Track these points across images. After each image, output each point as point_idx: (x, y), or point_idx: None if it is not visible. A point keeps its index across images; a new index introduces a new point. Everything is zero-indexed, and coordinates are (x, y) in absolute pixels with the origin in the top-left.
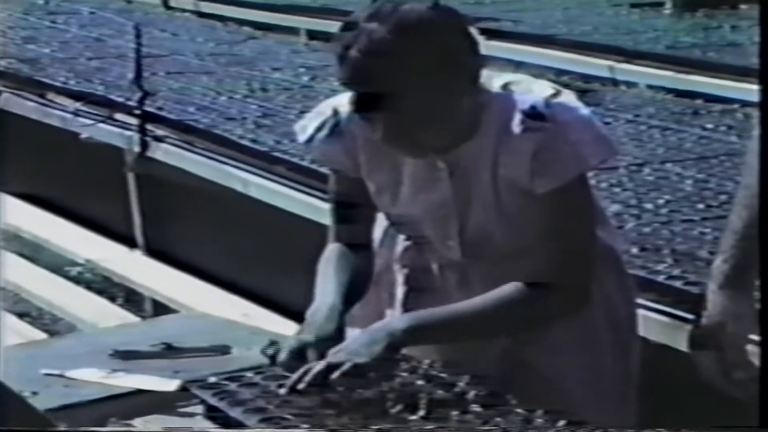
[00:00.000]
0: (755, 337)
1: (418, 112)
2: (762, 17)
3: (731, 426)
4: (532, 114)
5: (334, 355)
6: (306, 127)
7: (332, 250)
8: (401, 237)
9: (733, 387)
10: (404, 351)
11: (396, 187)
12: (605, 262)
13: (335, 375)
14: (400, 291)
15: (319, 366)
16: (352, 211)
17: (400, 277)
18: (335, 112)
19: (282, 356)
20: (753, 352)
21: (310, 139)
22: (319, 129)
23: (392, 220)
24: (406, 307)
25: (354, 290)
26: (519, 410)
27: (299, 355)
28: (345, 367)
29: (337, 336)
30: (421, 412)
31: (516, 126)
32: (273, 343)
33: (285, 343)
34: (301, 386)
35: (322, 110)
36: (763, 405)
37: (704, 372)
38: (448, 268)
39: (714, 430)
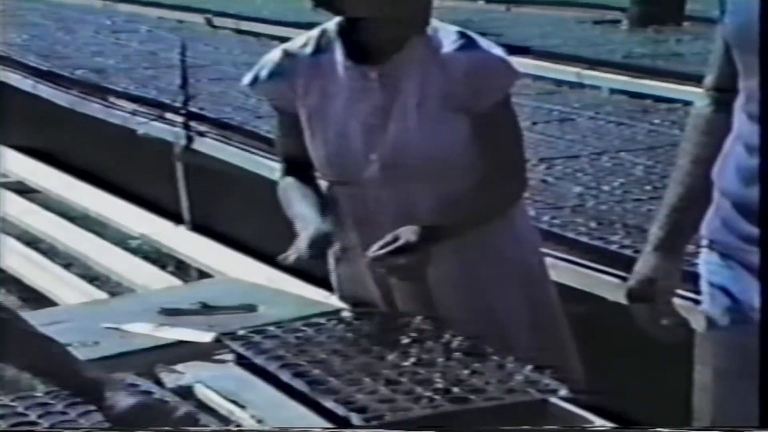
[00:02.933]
0: (681, 292)
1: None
2: (762, 17)
3: (731, 426)
4: (462, 35)
5: None
6: (250, 73)
7: (288, 182)
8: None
9: (662, 333)
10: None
11: (328, 107)
12: None
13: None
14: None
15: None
16: (296, 145)
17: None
18: (274, 56)
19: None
20: (680, 305)
21: (254, 81)
22: (259, 71)
23: (323, 150)
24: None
25: (321, 208)
26: (494, 357)
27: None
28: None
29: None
30: (413, 359)
31: (449, 45)
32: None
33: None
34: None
35: (264, 59)
36: (763, 405)
37: (639, 321)
38: (367, 195)
39: (714, 430)
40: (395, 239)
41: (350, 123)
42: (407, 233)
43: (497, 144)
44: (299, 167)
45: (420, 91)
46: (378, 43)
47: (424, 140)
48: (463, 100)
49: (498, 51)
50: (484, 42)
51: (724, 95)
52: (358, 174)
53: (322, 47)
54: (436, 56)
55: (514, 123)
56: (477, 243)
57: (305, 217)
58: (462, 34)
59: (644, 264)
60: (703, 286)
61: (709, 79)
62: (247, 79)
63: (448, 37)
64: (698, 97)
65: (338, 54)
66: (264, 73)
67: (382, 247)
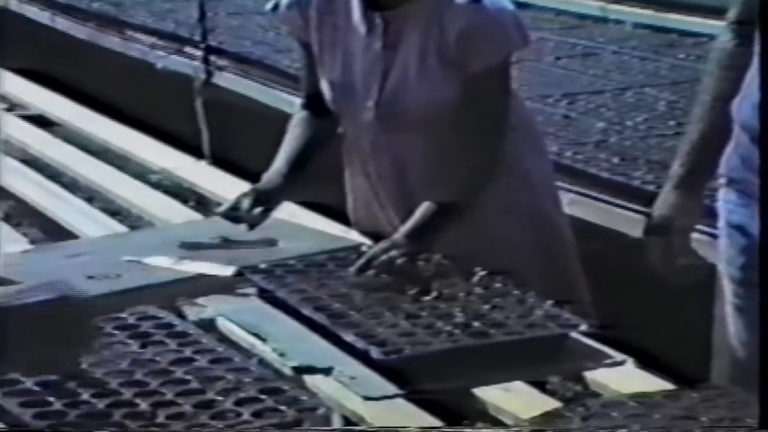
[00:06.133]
0: (701, 228)
1: None
2: (762, 17)
3: (731, 426)
4: None
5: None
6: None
7: (297, 118)
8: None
9: (675, 272)
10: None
11: (336, 45)
12: (523, 134)
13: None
14: None
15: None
16: (312, 78)
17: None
18: None
19: (222, 208)
20: (698, 240)
21: (275, 7)
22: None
23: (328, 87)
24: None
25: (305, 154)
26: (515, 292)
27: (236, 207)
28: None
29: (274, 191)
30: (434, 294)
31: (456, 1)
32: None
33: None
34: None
35: None
36: (763, 405)
37: (652, 257)
38: (364, 140)
39: (714, 430)
40: (382, 252)
41: (354, 66)
42: (394, 245)
43: (478, 113)
44: (315, 101)
45: (421, 44)
46: None
47: (420, 93)
48: (455, 58)
49: (504, 15)
50: (494, 3)
51: (746, 28)
52: (356, 117)
53: None
54: (440, 11)
55: (501, 94)
56: (490, 192)
57: (276, 166)
58: None
59: (663, 201)
60: (721, 225)
61: (732, 13)
62: (269, 4)
63: None
64: (721, 30)
65: None
66: (284, 1)
67: (368, 262)
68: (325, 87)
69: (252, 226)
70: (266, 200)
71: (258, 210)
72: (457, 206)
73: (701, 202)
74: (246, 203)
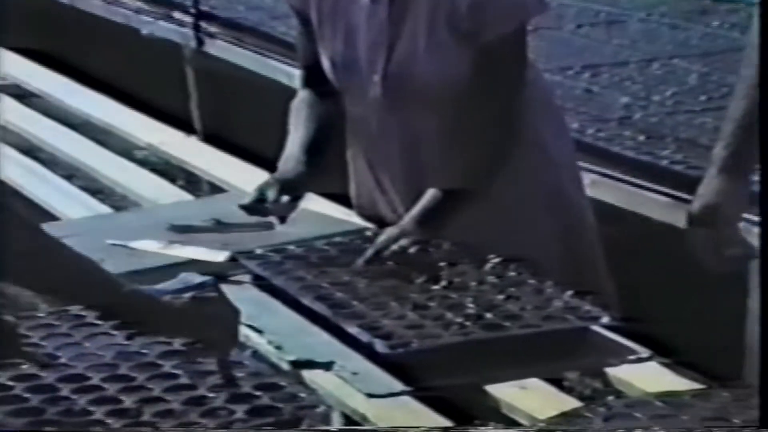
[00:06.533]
0: (749, 216)
1: None
2: (762, 17)
3: (731, 426)
4: None
5: None
6: None
7: (301, 98)
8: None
9: (723, 263)
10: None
11: (338, 15)
12: (541, 109)
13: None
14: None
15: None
16: (312, 51)
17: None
18: None
19: (245, 200)
20: (745, 230)
21: None
22: None
23: (329, 60)
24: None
25: (319, 139)
26: (531, 281)
27: (261, 198)
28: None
29: (300, 180)
30: (443, 283)
31: None
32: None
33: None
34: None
35: None
36: (763, 405)
37: (697, 248)
38: (370, 118)
39: (714, 430)
40: (392, 241)
41: (358, 37)
42: (403, 232)
43: (492, 86)
44: (316, 77)
45: (429, 14)
46: None
47: (429, 66)
48: (468, 28)
49: None
50: None
51: None
52: (361, 93)
53: None
54: None
55: (517, 65)
56: (506, 172)
57: (292, 154)
58: None
59: (707, 186)
60: None
61: None
62: None
63: None
64: None
65: None
66: None
67: (377, 253)
68: (325, 62)
69: (282, 218)
70: (292, 189)
71: (286, 199)
72: (471, 189)
73: (749, 186)
74: (272, 194)
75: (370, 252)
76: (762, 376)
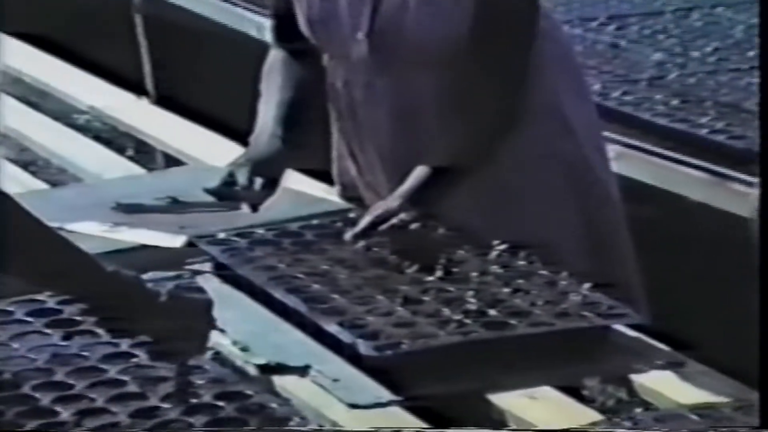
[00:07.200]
0: None
1: None
2: (762, 17)
3: (731, 426)
4: None
5: None
6: None
7: (274, 59)
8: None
9: None
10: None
11: None
12: (559, 68)
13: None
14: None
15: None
16: (290, 2)
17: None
18: None
19: (211, 185)
20: None
21: None
22: None
23: (305, 13)
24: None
25: (296, 108)
26: (543, 271)
27: (232, 182)
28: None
29: (276, 158)
30: (440, 273)
31: None
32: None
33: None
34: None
35: None
36: (763, 405)
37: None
38: (354, 83)
39: (714, 430)
40: (391, 214)
41: None
42: (402, 206)
43: (497, 42)
44: (290, 30)
45: None
46: None
47: (422, 20)
48: None
49: None
50: None
51: None
52: (343, 53)
53: None
54: None
55: (528, 16)
56: (517, 141)
57: (266, 127)
58: None
59: None
60: None
61: None
62: None
63: None
64: None
65: None
66: None
67: (373, 226)
68: (300, 15)
69: (255, 205)
70: (266, 170)
71: (259, 182)
72: (473, 165)
73: None
74: (242, 176)
75: (364, 222)
76: (762, 376)
